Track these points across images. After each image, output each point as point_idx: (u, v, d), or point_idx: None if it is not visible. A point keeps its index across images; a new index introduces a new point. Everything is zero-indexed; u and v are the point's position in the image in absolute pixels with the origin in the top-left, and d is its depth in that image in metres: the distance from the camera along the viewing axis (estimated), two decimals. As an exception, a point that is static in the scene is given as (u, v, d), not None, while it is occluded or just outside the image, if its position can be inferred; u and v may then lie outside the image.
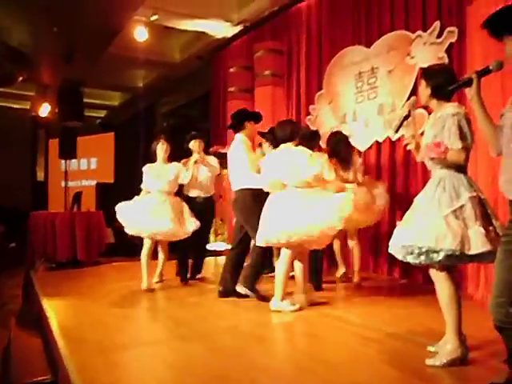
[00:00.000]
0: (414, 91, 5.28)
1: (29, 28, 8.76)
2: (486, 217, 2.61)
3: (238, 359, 2.87)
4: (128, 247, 8.16)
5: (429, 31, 5.39)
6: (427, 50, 5.40)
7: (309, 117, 7.13)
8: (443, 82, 2.75)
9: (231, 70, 8.30)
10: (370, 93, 6.18)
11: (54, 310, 4.09)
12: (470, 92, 2.38)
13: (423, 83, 2.90)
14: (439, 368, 2.63)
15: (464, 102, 3.58)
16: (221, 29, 8.67)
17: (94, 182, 12.82)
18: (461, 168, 2.71)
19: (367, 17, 6.28)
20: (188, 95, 11.78)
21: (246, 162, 4.51)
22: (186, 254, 5.50)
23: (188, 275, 5.49)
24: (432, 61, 5.18)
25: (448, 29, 5.18)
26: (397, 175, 5.76)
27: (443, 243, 2.55)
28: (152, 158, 5.27)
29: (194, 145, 5.59)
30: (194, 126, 10.78)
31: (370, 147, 6.13)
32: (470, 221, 2.57)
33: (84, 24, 8.21)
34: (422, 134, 3.01)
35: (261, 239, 4.03)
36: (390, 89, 5.86)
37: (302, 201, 3.92)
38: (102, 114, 15.66)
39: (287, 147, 4.11)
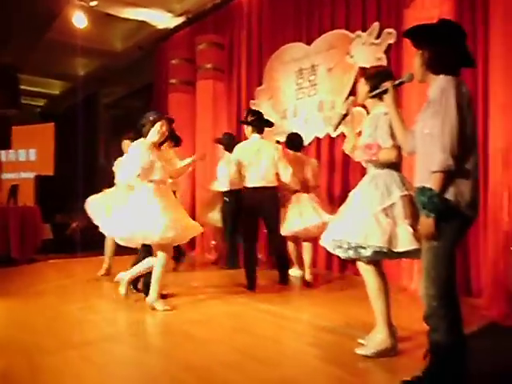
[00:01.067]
0: (353, 90, 5.38)
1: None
2: (415, 215, 2.71)
3: (167, 359, 2.86)
4: (67, 244, 7.95)
5: (368, 31, 5.51)
6: (366, 50, 5.52)
7: (250, 111, 7.13)
8: (380, 84, 2.84)
9: (173, 61, 8.20)
10: (310, 90, 6.26)
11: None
12: (387, 99, 2.52)
13: (362, 82, 3.04)
14: (369, 360, 2.73)
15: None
16: (163, 19, 8.55)
17: (32, 175, 12.37)
18: (394, 166, 2.83)
19: (308, 14, 6.34)
20: (130, 86, 11.53)
21: None
22: None
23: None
24: (370, 61, 5.33)
25: (386, 30, 5.31)
26: (336, 170, 5.87)
27: (371, 240, 2.67)
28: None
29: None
30: (137, 117, 10.60)
31: (310, 143, 6.20)
32: (399, 219, 2.69)
33: (20, 7, 7.89)
34: (360, 133, 3.10)
35: None
36: (330, 86, 5.95)
37: None
38: (42, 102, 15.11)
39: None
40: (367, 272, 2.85)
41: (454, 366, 2.15)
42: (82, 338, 3.32)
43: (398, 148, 2.75)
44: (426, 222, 2.13)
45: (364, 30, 5.56)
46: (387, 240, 2.65)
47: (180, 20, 8.46)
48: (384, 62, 5.26)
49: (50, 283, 5.19)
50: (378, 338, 2.81)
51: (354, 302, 4.08)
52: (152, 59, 9.62)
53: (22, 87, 11.50)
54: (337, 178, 5.85)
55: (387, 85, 2.52)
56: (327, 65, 6.01)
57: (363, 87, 3.02)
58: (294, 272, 5.29)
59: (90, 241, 4.94)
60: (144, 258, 4.15)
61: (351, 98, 3.21)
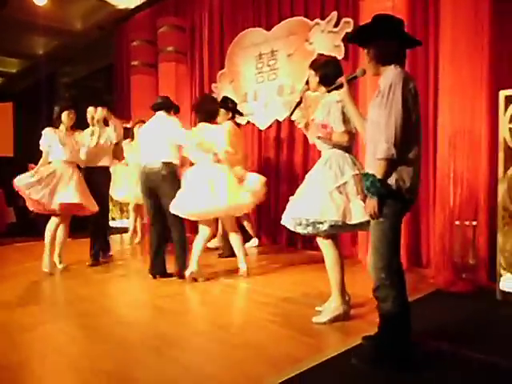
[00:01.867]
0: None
1: None
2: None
3: (141, 329, 3.09)
4: (31, 226, 7.94)
5: (326, 20, 5.71)
6: (325, 38, 5.74)
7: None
8: (329, 73, 3.14)
9: (134, 43, 8.22)
10: (269, 74, 6.46)
11: None
12: (342, 93, 2.72)
13: (312, 73, 3.25)
14: (325, 325, 3.04)
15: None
16: (123, -1, 8.50)
17: (-11, 156, 12.15)
18: (346, 148, 3.10)
19: (267, 0, 6.49)
20: (90, 66, 11.40)
21: None
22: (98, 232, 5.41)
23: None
24: (329, 48, 5.56)
25: (344, 19, 5.53)
26: (295, 152, 6.13)
27: (327, 215, 2.95)
28: (55, 124, 5.07)
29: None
30: (97, 97, 10.57)
31: (270, 126, 6.43)
32: (352, 195, 2.97)
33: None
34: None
35: None
36: (290, 71, 6.17)
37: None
38: (-1, 81, 14.74)
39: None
40: (325, 245, 3.14)
41: (402, 331, 2.39)
42: (56, 314, 3.51)
43: (349, 133, 3.02)
44: (370, 203, 2.35)
45: (323, 19, 5.76)
46: (341, 214, 2.93)
47: (141, 1, 8.44)
48: (342, 50, 5.50)
49: (18, 266, 5.29)
50: (332, 307, 3.12)
51: (314, 274, 4.39)
52: (112, 40, 9.58)
53: (-22, 65, 11.28)
54: (296, 159, 6.10)
55: (342, 80, 2.72)
56: (287, 50, 6.21)
57: (313, 77, 3.23)
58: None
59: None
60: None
61: (304, 86, 3.41)
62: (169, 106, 4.58)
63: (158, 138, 4.36)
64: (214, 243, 5.93)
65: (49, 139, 4.91)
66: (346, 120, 3.02)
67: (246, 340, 2.85)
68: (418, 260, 4.73)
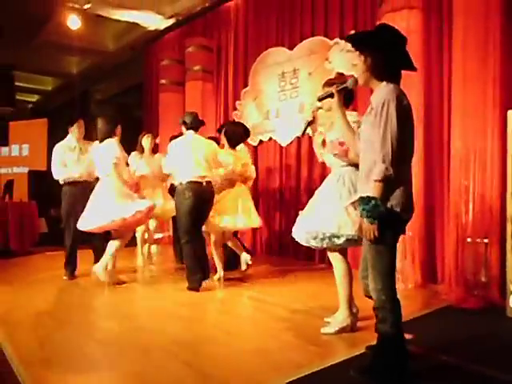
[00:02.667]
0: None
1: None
2: None
3: (158, 335, 3.25)
4: (60, 236, 8.24)
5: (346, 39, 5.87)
6: (343, 57, 5.91)
7: (235, 112, 7.54)
8: (344, 94, 3.11)
9: (163, 62, 8.53)
10: (291, 92, 6.65)
11: (-14, 297, 4.30)
12: (333, 103, 2.78)
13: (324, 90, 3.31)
14: (332, 335, 3.16)
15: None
16: (153, 21, 8.87)
17: (26, 170, 12.62)
18: (357, 165, 3.18)
19: (290, 21, 6.72)
20: (121, 84, 11.83)
21: None
22: None
23: None
24: (347, 67, 5.72)
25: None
26: (315, 166, 6.26)
27: (344, 229, 3.06)
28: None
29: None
30: (128, 114, 10.96)
31: (291, 142, 6.61)
32: None
33: (13, 7, 8.17)
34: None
35: None
36: (310, 89, 6.34)
37: None
38: (34, 98, 15.34)
39: None
40: (336, 259, 3.26)
41: (398, 348, 2.42)
42: (80, 317, 3.72)
43: None
44: (370, 228, 2.30)
45: (342, 38, 5.92)
46: (357, 229, 3.02)
47: (170, 22, 8.81)
48: (360, 61, 5.64)
49: (47, 272, 5.55)
50: (339, 318, 3.23)
51: (324, 287, 4.53)
52: (142, 59, 9.96)
53: (16, 83, 11.79)
54: (316, 173, 6.25)
55: (332, 89, 2.76)
56: (308, 69, 6.40)
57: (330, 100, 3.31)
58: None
59: (83, 234, 5.29)
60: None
61: (315, 105, 3.51)
62: (198, 126, 4.82)
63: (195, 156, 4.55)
64: None
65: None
66: None
67: (255, 347, 2.99)
68: (433, 276, 4.79)
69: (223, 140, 5.08)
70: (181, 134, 6.38)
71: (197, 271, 4.47)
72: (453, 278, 4.23)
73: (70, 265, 5.21)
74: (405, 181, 2.37)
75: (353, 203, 3.01)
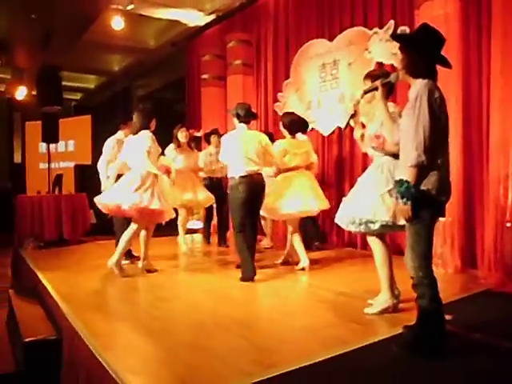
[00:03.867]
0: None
1: (7, 15, 9.07)
2: None
3: (210, 312, 3.53)
4: (108, 227, 8.63)
5: (384, 29, 5.98)
6: (383, 46, 6.00)
7: (277, 103, 7.72)
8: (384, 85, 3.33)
9: (204, 58, 8.79)
10: (332, 83, 6.78)
11: (48, 280, 4.62)
12: (377, 95, 3.04)
13: (365, 83, 3.50)
14: (375, 315, 3.34)
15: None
16: (194, 18, 9.12)
17: (72, 164, 13.12)
18: (396, 156, 3.31)
19: (330, 12, 6.85)
20: (163, 80, 12.18)
21: None
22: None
23: None
24: (387, 56, 5.83)
25: (401, 28, 5.76)
26: (356, 155, 6.40)
27: (379, 215, 3.25)
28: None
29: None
30: (169, 108, 11.29)
31: (333, 132, 6.75)
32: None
33: (61, 11, 8.56)
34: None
35: None
36: (350, 80, 6.47)
37: None
38: (78, 96, 15.89)
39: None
40: (374, 243, 3.43)
41: (437, 323, 2.62)
42: (137, 297, 4.02)
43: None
44: (404, 209, 2.55)
45: (381, 28, 6.04)
46: (392, 215, 3.21)
47: (210, 18, 9.03)
48: (399, 58, 5.72)
49: (100, 260, 5.86)
50: (381, 299, 3.41)
51: (369, 273, 4.63)
52: (184, 55, 10.23)
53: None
54: (356, 162, 6.39)
55: (377, 83, 3.03)
56: (347, 60, 6.51)
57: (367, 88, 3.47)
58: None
59: (128, 223, 5.62)
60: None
61: (357, 97, 3.66)
62: (250, 119, 4.84)
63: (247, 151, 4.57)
64: (268, 242, 6.48)
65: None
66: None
67: (302, 325, 3.21)
68: (472, 261, 4.87)
69: (284, 133, 5.12)
70: (214, 130, 6.83)
71: (249, 262, 4.54)
72: (492, 262, 4.33)
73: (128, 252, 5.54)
74: (439, 166, 2.58)
75: (389, 191, 3.21)
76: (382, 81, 3.01)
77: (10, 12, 8.96)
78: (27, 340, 3.47)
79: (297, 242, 4.98)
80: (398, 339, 2.80)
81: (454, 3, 4.76)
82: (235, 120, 4.78)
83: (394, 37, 2.96)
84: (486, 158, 4.67)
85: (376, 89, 3.02)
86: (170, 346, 2.82)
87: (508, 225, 4.16)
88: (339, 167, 6.71)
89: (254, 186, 4.58)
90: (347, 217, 3.43)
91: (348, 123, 3.67)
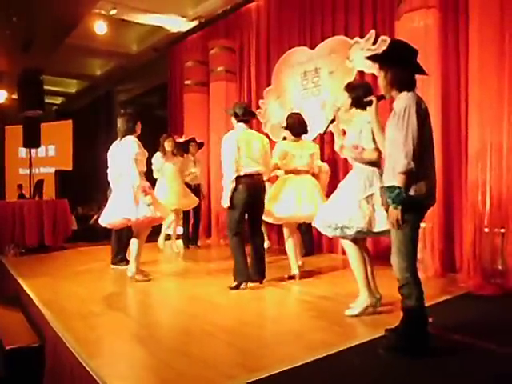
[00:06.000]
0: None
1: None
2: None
3: (197, 318, 3.54)
4: (89, 233, 8.62)
5: (365, 38, 6.07)
6: (364, 55, 6.06)
7: (259, 110, 7.74)
8: (361, 95, 3.48)
9: (187, 64, 8.82)
10: (313, 90, 6.87)
11: (30, 287, 4.59)
12: (371, 109, 3.14)
13: (346, 95, 3.63)
14: (355, 318, 3.41)
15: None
16: (176, 23, 9.15)
17: (52, 170, 13.01)
18: (375, 163, 3.46)
19: (311, 21, 6.94)
20: (145, 85, 12.13)
21: None
22: None
23: None
24: (367, 65, 5.90)
25: (381, 37, 5.86)
26: (338, 161, 6.48)
27: (354, 222, 3.37)
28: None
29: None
30: (151, 113, 11.28)
31: (315, 138, 6.81)
32: (377, 205, 3.31)
33: (43, 15, 8.50)
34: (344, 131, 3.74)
35: None
36: (332, 88, 6.56)
37: None
38: (59, 100, 15.76)
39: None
40: (348, 246, 3.53)
41: (422, 323, 2.73)
42: (121, 304, 4.02)
43: (378, 150, 3.36)
44: (394, 213, 2.67)
45: (362, 37, 6.13)
46: (367, 222, 3.34)
47: (193, 24, 9.07)
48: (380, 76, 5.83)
49: (82, 266, 5.87)
50: (360, 299, 3.49)
51: (349, 277, 4.70)
52: (166, 60, 10.25)
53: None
54: (339, 168, 6.47)
55: (372, 98, 3.14)
56: (329, 68, 6.61)
57: (346, 99, 3.61)
58: None
59: (110, 230, 5.62)
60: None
61: (337, 105, 3.77)
62: (249, 118, 4.79)
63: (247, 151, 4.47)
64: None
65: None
66: (374, 139, 3.35)
67: (288, 329, 3.25)
68: (451, 266, 4.97)
69: (286, 134, 5.05)
70: (191, 139, 6.96)
71: (244, 266, 4.43)
72: (471, 266, 4.42)
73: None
74: (426, 173, 2.72)
75: (366, 197, 3.36)
76: (377, 96, 3.11)
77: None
78: (8, 348, 3.44)
79: (289, 247, 4.82)
80: (382, 341, 2.85)
81: (434, 14, 4.86)
82: (233, 120, 4.65)
83: (373, 57, 3.02)
84: (465, 164, 4.78)
85: (370, 103, 3.13)
86: (156, 352, 2.84)
87: (486, 230, 4.27)
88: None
89: (255, 187, 4.46)
90: (324, 221, 3.53)
91: (327, 128, 3.78)
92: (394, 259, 2.77)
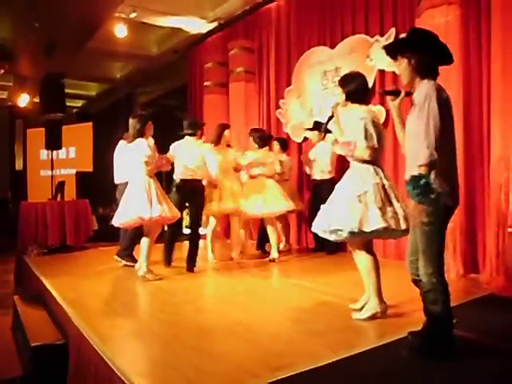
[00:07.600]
0: (373, 91, 5.92)
1: (10, 23, 9.13)
2: (386, 199, 3.23)
3: (217, 317, 3.58)
4: (110, 233, 8.68)
5: (385, 36, 6.01)
6: (384, 54, 6.01)
7: (279, 110, 7.77)
8: (355, 89, 3.39)
9: (207, 65, 8.88)
10: (334, 90, 6.82)
11: (53, 286, 4.65)
12: (393, 102, 2.92)
13: (340, 90, 3.49)
14: (377, 319, 3.35)
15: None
16: (196, 25, 9.15)
17: (73, 171, 13.16)
18: (368, 161, 3.30)
19: (331, 20, 6.91)
20: (165, 86, 12.22)
21: None
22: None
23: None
24: (388, 63, 5.85)
25: (402, 35, 5.80)
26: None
27: (345, 224, 3.21)
28: None
29: None
30: (171, 115, 11.34)
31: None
32: (371, 203, 3.19)
33: (65, 20, 8.61)
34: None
35: None
36: (351, 87, 6.50)
37: None
38: (79, 103, 15.94)
39: None
40: (356, 251, 3.43)
41: (447, 328, 2.66)
42: (144, 301, 4.06)
43: (371, 148, 3.23)
44: (417, 208, 2.51)
45: (382, 35, 6.08)
46: (358, 222, 3.16)
47: (212, 26, 9.08)
48: (402, 63, 5.78)
49: (104, 265, 5.92)
50: (370, 305, 3.39)
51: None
52: (186, 62, 10.30)
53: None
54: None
55: (402, 91, 2.90)
56: (349, 67, 6.51)
57: (341, 95, 3.46)
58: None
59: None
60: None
61: (335, 101, 3.63)
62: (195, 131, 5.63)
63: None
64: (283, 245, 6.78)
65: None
66: (367, 136, 3.23)
67: (310, 328, 3.26)
68: (474, 266, 4.91)
69: (252, 145, 6.03)
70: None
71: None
72: (494, 267, 4.36)
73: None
74: (447, 169, 2.60)
75: (358, 196, 3.21)
76: (407, 91, 2.92)
77: (14, 20, 9.02)
78: (34, 344, 3.51)
79: (271, 232, 5.87)
80: (405, 343, 2.81)
81: (455, 11, 4.81)
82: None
83: (400, 42, 2.97)
84: (487, 163, 4.72)
85: (396, 94, 2.92)
86: (178, 350, 2.86)
87: (509, 230, 4.20)
88: (342, 172, 6.71)
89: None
90: (320, 224, 3.42)
91: (326, 124, 3.66)
92: (420, 264, 2.68)
